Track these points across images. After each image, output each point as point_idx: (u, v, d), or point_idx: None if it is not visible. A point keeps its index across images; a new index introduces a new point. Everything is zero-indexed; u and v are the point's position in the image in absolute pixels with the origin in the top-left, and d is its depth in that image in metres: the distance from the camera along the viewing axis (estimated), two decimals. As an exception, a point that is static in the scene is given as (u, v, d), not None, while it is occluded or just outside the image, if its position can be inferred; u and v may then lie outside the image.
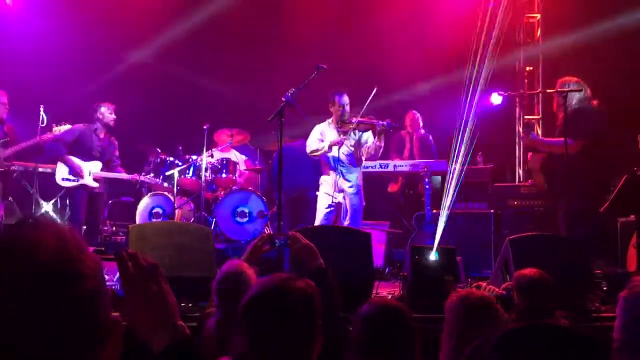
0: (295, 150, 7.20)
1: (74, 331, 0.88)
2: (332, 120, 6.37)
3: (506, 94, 6.19)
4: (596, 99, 5.86)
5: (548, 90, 5.83)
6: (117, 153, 7.00)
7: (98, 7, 8.03)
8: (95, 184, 6.72)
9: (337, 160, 6.19)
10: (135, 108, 7.91)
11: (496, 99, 7.03)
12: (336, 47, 8.00)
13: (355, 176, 6.31)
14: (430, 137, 7.73)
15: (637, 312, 1.63)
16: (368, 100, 6.04)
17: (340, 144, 6.16)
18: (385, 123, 6.01)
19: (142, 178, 6.95)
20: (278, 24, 8.45)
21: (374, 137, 6.16)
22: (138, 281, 1.34)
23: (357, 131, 6.26)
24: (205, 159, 6.96)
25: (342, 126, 6.19)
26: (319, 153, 6.27)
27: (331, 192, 6.19)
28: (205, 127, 6.94)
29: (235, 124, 7.52)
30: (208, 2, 8.41)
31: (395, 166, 7.04)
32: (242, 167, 7.53)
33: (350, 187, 6.27)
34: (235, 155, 7.61)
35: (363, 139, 6.31)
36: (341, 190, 6.27)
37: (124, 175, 6.91)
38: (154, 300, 1.35)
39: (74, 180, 6.64)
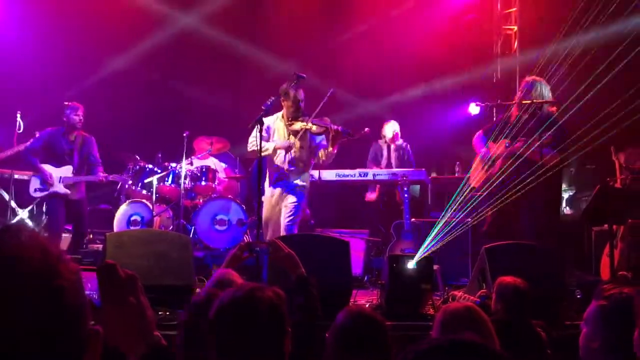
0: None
1: (55, 342, 0.89)
2: (282, 115, 5.78)
3: (483, 104, 6.25)
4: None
5: (524, 101, 5.89)
6: (95, 152, 6.65)
7: (78, 13, 7.98)
8: (66, 191, 6.46)
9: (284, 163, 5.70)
10: (114, 115, 7.86)
11: (474, 109, 7.13)
12: (316, 56, 8.04)
13: (299, 180, 5.76)
14: (409, 147, 7.79)
15: (616, 321, 1.66)
16: (323, 101, 5.58)
17: (288, 148, 5.66)
18: (339, 128, 5.53)
19: (110, 177, 6.66)
20: (259, 32, 8.47)
21: (327, 142, 5.65)
22: (116, 293, 1.35)
23: (308, 133, 5.71)
24: (184, 167, 6.94)
25: (293, 125, 5.65)
26: (262, 154, 5.39)
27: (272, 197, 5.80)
28: (185, 134, 6.92)
29: (215, 131, 7.52)
30: (188, 9, 8.41)
31: (374, 175, 7.08)
32: (221, 175, 7.52)
33: (293, 190, 5.75)
34: (214, 163, 7.59)
35: (315, 142, 5.77)
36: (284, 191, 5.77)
37: (90, 178, 6.56)
38: (131, 312, 1.36)
39: (44, 189, 6.44)
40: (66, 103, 6.57)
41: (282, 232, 5.56)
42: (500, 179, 5.20)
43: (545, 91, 5.62)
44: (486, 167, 5.52)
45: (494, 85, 8.31)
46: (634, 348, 1.45)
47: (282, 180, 5.77)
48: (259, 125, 5.02)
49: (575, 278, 5.33)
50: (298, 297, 2.60)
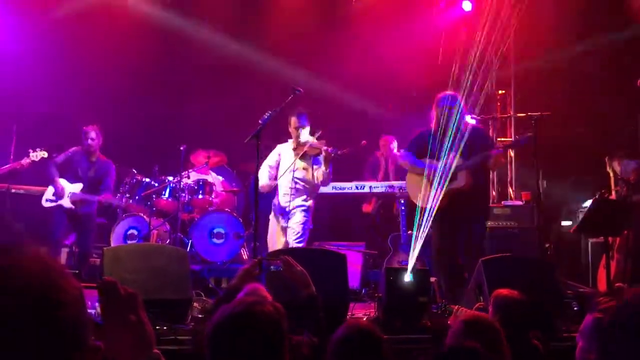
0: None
1: (56, 358, 0.90)
2: (292, 141, 6.25)
3: (479, 117, 6.30)
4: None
5: (519, 114, 5.95)
6: (108, 178, 6.80)
7: (73, 27, 8.00)
8: (71, 205, 6.63)
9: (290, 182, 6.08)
10: (111, 128, 7.87)
11: (469, 121, 7.16)
12: (316, 68, 8.08)
13: (303, 200, 6.12)
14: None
15: (617, 335, 1.67)
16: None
17: (271, 185, 6.14)
18: (330, 150, 5.88)
19: (104, 201, 6.75)
20: (258, 44, 8.52)
21: (322, 163, 6.02)
22: (117, 310, 1.36)
23: (310, 155, 6.10)
24: (182, 180, 6.95)
25: (298, 148, 6.11)
26: (265, 190, 6.12)
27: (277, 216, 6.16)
28: (181, 148, 6.94)
29: (213, 145, 7.54)
30: (185, 20, 8.45)
31: (371, 187, 7.10)
32: (218, 188, 7.53)
33: (298, 207, 6.11)
34: (211, 177, 7.61)
35: (317, 164, 6.14)
36: (287, 213, 6.11)
37: (88, 197, 6.66)
38: (132, 330, 1.36)
39: (54, 201, 6.65)
40: (83, 128, 6.80)
41: None
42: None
43: (461, 104, 5.65)
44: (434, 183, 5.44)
45: (489, 97, 8.35)
46: None
47: (287, 200, 6.06)
48: (258, 141, 5.05)
49: (572, 290, 5.35)
50: (307, 315, 2.62)
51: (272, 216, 6.24)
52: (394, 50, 8.09)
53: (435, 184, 5.39)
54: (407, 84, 8.23)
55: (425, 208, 5.32)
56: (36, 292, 0.90)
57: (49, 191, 6.69)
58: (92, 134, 6.72)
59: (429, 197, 5.40)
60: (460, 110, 5.54)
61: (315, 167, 6.11)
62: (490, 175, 7.98)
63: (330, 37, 8.39)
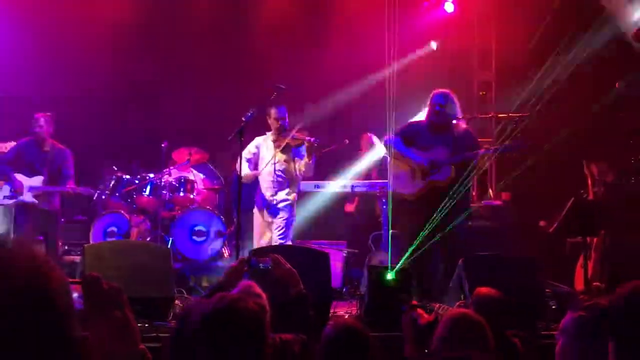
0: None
1: (47, 350, 0.90)
2: (271, 134, 6.22)
3: (460, 117, 6.34)
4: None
5: (500, 115, 6.02)
6: (68, 165, 6.47)
7: (50, 20, 7.89)
8: (33, 200, 6.30)
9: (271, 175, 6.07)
10: (91, 124, 7.79)
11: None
12: (300, 66, 8.07)
13: (285, 194, 6.13)
14: (388, 158, 7.84)
15: (594, 332, 1.71)
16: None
17: (255, 175, 6.08)
18: (312, 139, 5.88)
19: (79, 190, 6.48)
20: (241, 42, 8.49)
21: (304, 154, 6.02)
22: (101, 306, 1.36)
23: (292, 146, 6.09)
24: (163, 178, 6.91)
25: (278, 140, 6.05)
26: (248, 181, 6.07)
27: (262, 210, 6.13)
28: (163, 145, 6.89)
29: (194, 142, 7.50)
30: (167, 18, 8.40)
31: (352, 186, 7.13)
32: (200, 185, 7.49)
33: (281, 204, 6.12)
34: (193, 174, 7.57)
35: (298, 155, 6.13)
36: (273, 207, 6.11)
37: (58, 188, 6.39)
38: (116, 325, 1.36)
39: (12, 197, 6.32)
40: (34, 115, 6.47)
41: None
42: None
43: (455, 103, 5.75)
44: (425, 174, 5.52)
45: (472, 96, 8.43)
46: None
47: (270, 194, 6.02)
48: (241, 138, 5.06)
49: (550, 289, 5.43)
50: (296, 313, 2.62)
51: (255, 211, 6.21)
52: (376, 52, 8.12)
53: (418, 174, 5.49)
54: (387, 84, 8.25)
55: (408, 199, 5.43)
56: (23, 282, 0.90)
57: (4, 189, 6.33)
58: (41, 121, 6.36)
59: (410, 186, 5.50)
60: (452, 108, 5.65)
61: (296, 159, 6.10)
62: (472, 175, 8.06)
63: (313, 33, 8.40)
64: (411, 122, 5.83)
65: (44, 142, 6.44)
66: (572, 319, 1.80)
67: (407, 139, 5.65)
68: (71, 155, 6.55)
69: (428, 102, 5.72)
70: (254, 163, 6.24)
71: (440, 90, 5.72)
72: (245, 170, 5.95)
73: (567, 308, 1.88)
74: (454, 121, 5.59)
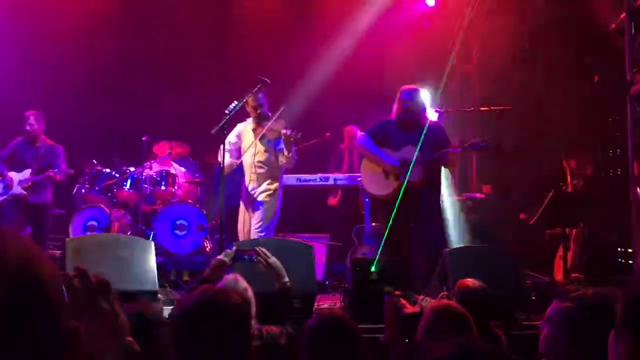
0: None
1: (39, 341, 0.89)
2: (252, 122, 6.00)
3: (442, 110, 6.38)
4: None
5: (482, 108, 6.06)
6: (59, 161, 6.63)
7: (32, 15, 7.77)
8: (22, 191, 6.48)
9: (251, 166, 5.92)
10: (72, 118, 7.69)
11: (432, 114, 7.27)
12: (279, 59, 8.05)
13: (267, 184, 5.96)
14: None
15: (582, 321, 1.73)
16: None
17: (233, 164, 5.90)
18: (288, 132, 5.69)
19: (59, 172, 6.54)
20: (224, 35, 8.44)
21: (283, 146, 5.81)
22: (88, 298, 1.34)
23: (269, 139, 5.90)
24: (144, 171, 6.85)
25: (258, 129, 5.87)
26: (230, 169, 5.88)
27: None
28: (144, 138, 6.83)
29: (176, 136, 7.44)
30: (149, 11, 8.31)
31: (335, 179, 7.14)
32: (181, 179, 7.44)
33: (263, 194, 5.96)
34: (174, 168, 7.51)
35: (278, 146, 5.90)
36: (253, 199, 5.97)
37: (40, 177, 6.51)
38: (105, 319, 1.35)
39: (4, 194, 6.48)
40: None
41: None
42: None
43: (423, 99, 5.76)
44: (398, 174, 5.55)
45: (452, 91, 8.47)
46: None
47: (252, 184, 5.91)
48: (224, 131, 5.02)
49: (531, 280, 5.50)
50: (281, 306, 2.63)
51: (241, 204, 6.10)
52: (357, 44, 8.13)
53: (391, 175, 5.48)
54: (368, 78, 8.27)
55: (382, 200, 5.44)
56: (14, 271, 0.89)
57: None
58: (31, 119, 6.58)
59: (383, 187, 5.50)
60: (421, 105, 5.65)
61: (277, 150, 5.90)
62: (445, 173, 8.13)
63: (295, 27, 8.37)
64: (380, 121, 5.78)
65: (35, 139, 6.65)
66: (559, 309, 1.82)
67: (377, 139, 5.61)
68: (62, 151, 6.73)
69: (396, 99, 5.68)
70: (237, 152, 6.07)
71: (408, 86, 5.68)
72: (227, 159, 5.78)
73: (554, 297, 1.91)
74: (428, 115, 5.60)
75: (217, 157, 5.80)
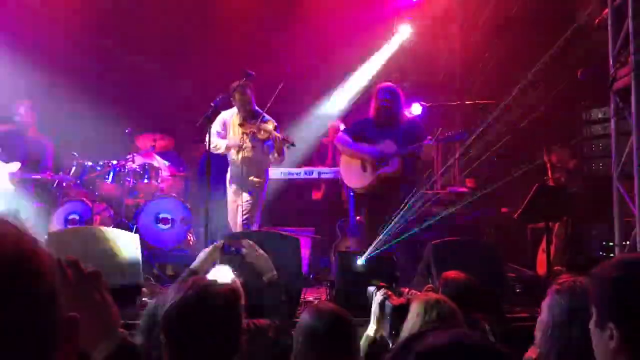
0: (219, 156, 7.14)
1: (36, 330, 0.87)
2: (237, 115, 6.03)
3: (427, 104, 6.42)
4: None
5: (467, 102, 6.09)
6: (46, 157, 6.62)
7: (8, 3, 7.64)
8: (9, 186, 6.39)
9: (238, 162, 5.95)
10: (53, 110, 7.58)
11: (416, 109, 7.30)
12: (266, 51, 8.01)
13: (254, 177, 6.02)
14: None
15: (573, 305, 1.75)
16: (273, 96, 5.73)
17: (237, 147, 5.91)
18: (280, 137, 5.75)
19: (56, 177, 6.61)
20: (206, 28, 8.36)
21: (273, 148, 5.86)
22: (80, 289, 1.33)
23: (259, 139, 5.92)
24: (126, 164, 6.77)
25: (245, 125, 5.87)
26: (219, 152, 5.94)
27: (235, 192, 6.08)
28: (127, 131, 6.75)
29: (159, 128, 7.37)
30: (132, 4, 8.21)
31: (319, 173, 7.13)
32: (164, 172, 7.38)
33: (248, 188, 6.02)
34: (157, 161, 7.44)
35: (267, 143, 5.94)
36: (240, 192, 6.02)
37: (35, 175, 6.51)
38: (96, 310, 1.34)
39: None
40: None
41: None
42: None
43: (401, 98, 5.82)
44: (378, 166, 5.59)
45: (436, 85, 8.50)
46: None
47: (237, 178, 5.93)
48: (209, 124, 4.99)
49: (515, 273, 5.55)
50: (269, 299, 2.62)
51: (229, 193, 6.13)
52: (343, 39, 8.12)
53: (368, 167, 5.55)
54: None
55: (359, 192, 5.51)
56: (13, 263, 0.87)
57: None
58: (21, 110, 6.54)
59: (361, 179, 5.57)
60: (398, 102, 5.71)
61: (265, 147, 5.93)
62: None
63: (281, 21, 8.33)
64: (358, 119, 5.91)
65: (24, 131, 6.62)
66: (554, 297, 1.84)
67: (355, 137, 5.71)
68: (51, 147, 6.72)
69: (373, 96, 5.74)
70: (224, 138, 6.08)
71: (385, 84, 5.82)
72: (221, 143, 5.90)
73: (549, 285, 1.93)
74: (409, 110, 5.67)
75: (203, 147, 5.80)
